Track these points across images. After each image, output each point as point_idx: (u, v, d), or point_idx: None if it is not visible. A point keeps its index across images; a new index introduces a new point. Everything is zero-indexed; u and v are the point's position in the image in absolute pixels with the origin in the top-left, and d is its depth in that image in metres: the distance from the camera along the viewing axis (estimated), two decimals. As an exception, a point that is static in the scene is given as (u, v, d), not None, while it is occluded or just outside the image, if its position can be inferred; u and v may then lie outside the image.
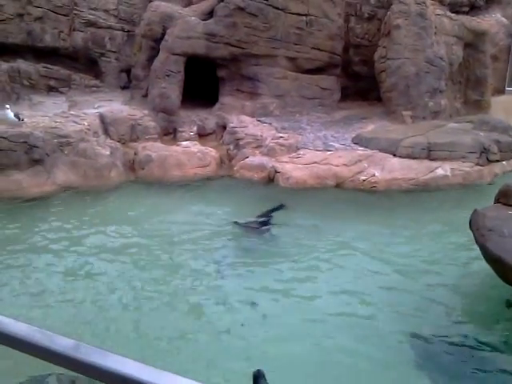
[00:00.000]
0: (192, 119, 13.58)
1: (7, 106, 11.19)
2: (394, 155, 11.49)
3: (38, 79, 15.39)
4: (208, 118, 13.74)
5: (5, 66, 14.77)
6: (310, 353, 5.05)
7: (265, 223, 8.76)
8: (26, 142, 10.51)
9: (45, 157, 10.73)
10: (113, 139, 12.15)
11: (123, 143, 12.21)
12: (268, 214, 9.16)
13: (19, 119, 11.01)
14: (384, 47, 13.95)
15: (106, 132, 12.29)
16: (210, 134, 13.51)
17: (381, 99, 14.21)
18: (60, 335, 1.07)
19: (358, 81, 15.13)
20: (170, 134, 13.38)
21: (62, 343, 1.05)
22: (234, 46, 13.89)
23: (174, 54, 13.78)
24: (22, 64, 15.41)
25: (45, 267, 7.08)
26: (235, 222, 8.70)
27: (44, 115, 12.24)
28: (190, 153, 11.89)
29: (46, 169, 10.66)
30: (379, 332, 5.46)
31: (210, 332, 5.46)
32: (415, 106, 13.49)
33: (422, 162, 11.24)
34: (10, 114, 10.90)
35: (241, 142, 12.32)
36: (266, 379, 3.71)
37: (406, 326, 5.57)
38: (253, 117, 13.54)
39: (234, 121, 13.09)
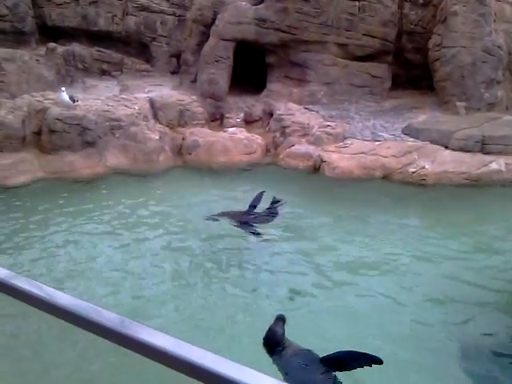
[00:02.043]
0: (239, 106, 13.61)
1: (62, 88, 11.55)
2: (446, 147, 11.13)
3: (92, 63, 15.80)
4: (255, 104, 13.74)
5: (60, 49, 15.24)
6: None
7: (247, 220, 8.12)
8: (79, 125, 10.87)
9: (97, 139, 11.06)
10: (161, 124, 12.36)
11: (171, 128, 12.40)
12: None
13: (74, 102, 11.33)
14: (439, 35, 13.45)
15: (155, 116, 12.50)
16: (257, 120, 13.51)
17: (433, 89, 13.75)
18: (107, 310, 1.15)
19: (410, 69, 14.68)
20: (217, 120, 13.48)
21: (109, 317, 1.12)
22: (284, 32, 13.77)
23: (223, 40, 13.80)
24: (77, 47, 15.86)
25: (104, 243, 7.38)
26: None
27: (96, 98, 12.56)
28: (237, 139, 11.95)
29: (97, 151, 10.99)
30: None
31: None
32: (470, 97, 12.97)
33: (475, 155, 10.85)
34: (65, 97, 11.24)
35: (287, 130, 12.25)
36: (284, 324, 4.28)
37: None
38: (300, 104, 13.42)
39: (281, 108, 13.02)
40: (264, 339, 4.26)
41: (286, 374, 3.98)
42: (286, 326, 4.33)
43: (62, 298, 1.21)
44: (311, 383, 3.95)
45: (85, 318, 1.14)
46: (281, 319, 4.36)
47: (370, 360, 3.72)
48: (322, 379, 3.90)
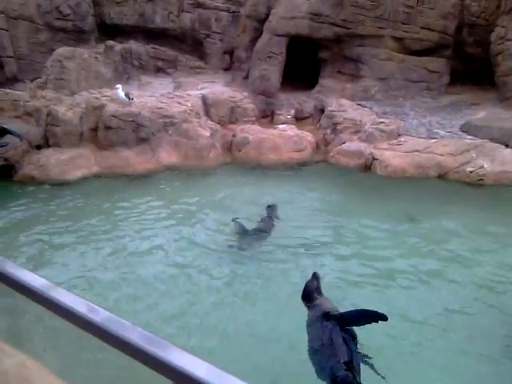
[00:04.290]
0: (290, 102, 13.53)
1: (118, 85, 11.89)
2: (507, 146, 10.57)
3: (148, 60, 16.19)
4: (306, 101, 13.60)
5: (118, 46, 15.70)
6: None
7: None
8: (134, 121, 11.16)
9: (150, 136, 11.32)
10: (213, 120, 12.48)
11: (222, 125, 12.50)
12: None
13: (129, 99, 11.64)
14: (503, 27, 12.76)
15: (207, 113, 12.64)
16: (308, 117, 13.38)
17: (494, 84, 13.08)
18: (137, 326, 1.09)
19: (470, 63, 14.03)
20: (267, 116, 13.46)
21: (138, 334, 1.07)
22: (339, 26, 13.54)
23: (276, 35, 13.75)
24: (134, 45, 16.29)
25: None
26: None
27: (151, 95, 12.85)
28: (286, 136, 11.87)
29: (151, 147, 11.24)
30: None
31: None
32: (534, 93, 12.26)
33: (539, 154, 10.24)
34: (121, 94, 11.57)
35: (338, 127, 12.04)
36: (318, 281, 4.76)
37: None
38: (353, 100, 13.17)
39: (333, 104, 12.81)
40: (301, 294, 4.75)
41: (308, 327, 4.35)
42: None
43: (99, 313, 1.17)
44: (318, 339, 4.11)
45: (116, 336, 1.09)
46: (314, 276, 4.83)
47: (377, 317, 3.85)
48: (331, 336, 4.04)
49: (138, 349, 1.03)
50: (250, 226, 7.71)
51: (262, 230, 7.61)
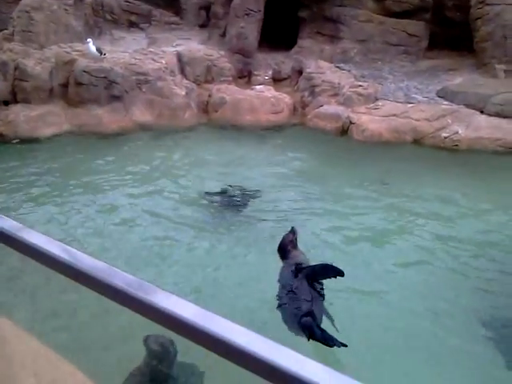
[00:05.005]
0: (268, 62, 13.26)
1: (89, 39, 11.42)
2: (482, 112, 10.65)
3: (120, 14, 15.54)
4: (284, 61, 13.34)
5: (89, -1, 14.97)
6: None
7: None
8: (106, 78, 10.78)
9: (123, 93, 10.98)
10: (188, 79, 12.15)
11: (198, 84, 12.19)
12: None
13: (101, 54, 11.20)
14: (483, -9, 12.65)
15: (182, 71, 12.29)
16: (285, 79, 13.15)
17: (472, 50, 13.03)
18: (123, 271, 1.04)
19: (449, 28, 13.91)
20: (244, 76, 13.18)
21: (124, 279, 1.02)
22: (319, -16, 13.19)
23: (255, -9, 13.31)
24: (106, -3, 15.55)
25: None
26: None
27: (124, 51, 12.41)
28: (264, 98, 11.68)
29: (124, 106, 10.93)
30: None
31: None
32: (511, 60, 12.28)
33: (513, 121, 10.36)
34: (93, 48, 11.12)
35: (316, 89, 11.88)
36: (294, 235, 5.04)
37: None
38: (331, 62, 12.98)
39: (312, 66, 12.61)
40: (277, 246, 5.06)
41: (279, 277, 4.66)
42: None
43: (76, 256, 1.10)
44: (287, 288, 4.38)
45: (100, 280, 1.04)
46: (291, 231, 5.11)
47: (336, 272, 4.13)
48: (296, 285, 4.32)
49: (122, 292, 0.98)
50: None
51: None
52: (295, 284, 4.32)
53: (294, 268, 4.50)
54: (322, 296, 4.39)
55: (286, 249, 4.94)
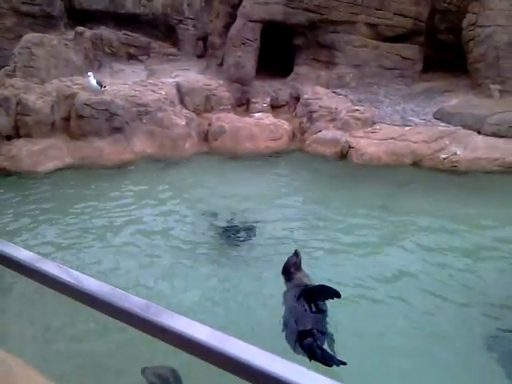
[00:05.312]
0: (265, 90, 13.45)
1: (89, 73, 11.62)
2: (479, 133, 10.76)
3: (119, 46, 15.84)
4: (281, 88, 13.54)
5: (88, 33, 15.30)
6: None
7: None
8: (107, 110, 10.93)
9: (124, 125, 11.13)
10: (188, 109, 12.32)
11: (197, 113, 12.36)
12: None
13: (102, 87, 11.38)
14: (474, 13, 12.88)
15: (182, 102, 12.47)
16: (283, 105, 13.33)
17: (466, 71, 13.24)
18: (132, 295, 1.09)
19: (443, 50, 14.16)
20: (243, 104, 13.36)
21: (134, 302, 1.06)
22: (313, 12, 13.47)
23: (251, 21, 13.59)
24: (105, 31, 15.91)
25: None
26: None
27: (124, 83, 12.60)
28: (263, 125, 11.82)
29: (125, 137, 11.06)
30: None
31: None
32: (505, 80, 12.44)
33: (510, 141, 10.42)
34: (93, 82, 11.31)
35: (314, 115, 12.04)
36: (297, 257, 5.23)
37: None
38: (328, 88, 13.17)
39: (308, 92, 12.80)
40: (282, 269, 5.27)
41: (283, 298, 4.86)
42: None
43: (89, 282, 1.16)
44: (290, 310, 4.55)
45: (112, 304, 1.08)
46: (295, 253, 5.31)
47: (332, 293, 4.29)
48: (297, 307, 4.48)
49: (135, 316, 1.02)
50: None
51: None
52: (297, 306, 4.47)
53: (296, 291, 4.67)
54: (324, 311, 4.53)
55: (289, 271, 5.15)
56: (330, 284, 4.78)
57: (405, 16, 13.64)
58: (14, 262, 1.29)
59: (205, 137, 11.81)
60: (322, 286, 4.59)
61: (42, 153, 10.21)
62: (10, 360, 1.74)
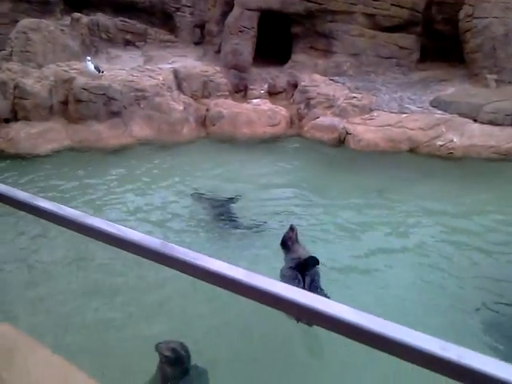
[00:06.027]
0: (263, 77, 13.48)
1: (88, 58, 11.59)
2: (475, 121, 10.88)
3: (116, 33, 15.77)
4: (279, 76, 13.58)
5: (85, 19, 15.23)
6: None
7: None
8: (105, 94, 10.91)
9: (122, 109, 11.11)
10: (186, 95, 12.31)
11: (195, 99, 12.35)
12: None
13: (99, 71, 11.35)
14: (471, 5, 12.97)
15: (180, 87, 12.46)
16: (281, 92, 13.36)
17: (463, 61, 13.36)
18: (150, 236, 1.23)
19: (440, 40, 14.26)
20: (240, 91, 13.39)
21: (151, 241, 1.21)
22: (310, 2, 13.50)
23: (248, 10, 13.60)
24: (101, 17, 15.83)
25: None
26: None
27: (121, 69, 12.56)
28: (261, 111, 11.85)
29: (123, 121, 11.04)
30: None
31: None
32: (501, 70, 12.57)
33: (505, 129, 10.56)
34: (91, 66, 11.27)
35: (312, 102, 12.09)
36: (293, 232, 5.68)
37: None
38: (325, 76, 13.22)
39: (306, 79, 12.83)
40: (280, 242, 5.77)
41: (281, 271, 5.19)
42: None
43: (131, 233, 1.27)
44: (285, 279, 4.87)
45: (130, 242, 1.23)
46: (290, 228, 5.76)
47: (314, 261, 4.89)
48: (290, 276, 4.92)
49: (181, 261, 1.13)
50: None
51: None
52: (291, 275, 4.97)
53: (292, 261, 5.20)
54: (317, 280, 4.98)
55: (287, 244, 5.64)
56: (322, 260, 5.20)
57: (402, 7, 13.71)
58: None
59: (202, 122, 11.81)
60: (307, 258, 5.07)
61: (41, 136, 10.17)
62: (13, 333, 1.78)
